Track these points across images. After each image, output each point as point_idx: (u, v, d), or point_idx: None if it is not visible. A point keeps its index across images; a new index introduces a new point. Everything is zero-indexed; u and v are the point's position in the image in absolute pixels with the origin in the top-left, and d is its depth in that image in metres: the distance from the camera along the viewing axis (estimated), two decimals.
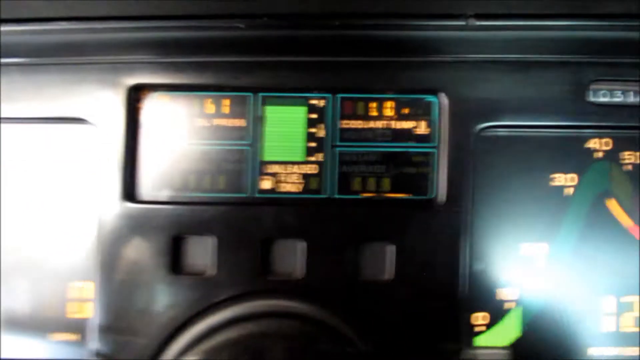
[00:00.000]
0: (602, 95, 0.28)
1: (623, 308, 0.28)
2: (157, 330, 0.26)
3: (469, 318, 0.27)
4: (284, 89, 0.29)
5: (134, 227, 0.27)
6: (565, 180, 0.29)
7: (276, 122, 0.29)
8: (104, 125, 0.28)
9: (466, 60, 0.29)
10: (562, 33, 0.28)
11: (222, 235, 0.27)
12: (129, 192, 0.28)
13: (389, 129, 0.30)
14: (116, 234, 0.27)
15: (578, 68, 0.28)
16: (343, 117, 0.30)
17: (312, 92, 0.29)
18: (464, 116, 0.29)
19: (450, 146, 0.29)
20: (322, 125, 0.29)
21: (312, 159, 0.29)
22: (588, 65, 0.28)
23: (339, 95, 0.29)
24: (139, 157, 0.28)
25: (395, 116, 0.30)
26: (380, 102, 0.29)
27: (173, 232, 0.27)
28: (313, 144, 0.30)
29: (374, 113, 0.30)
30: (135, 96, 0.28)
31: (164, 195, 0.28)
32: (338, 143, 0.29)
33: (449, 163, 0.29)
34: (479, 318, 0.27)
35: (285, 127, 0.30)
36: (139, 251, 0.27)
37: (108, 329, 0.26)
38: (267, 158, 0.29)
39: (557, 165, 0.29)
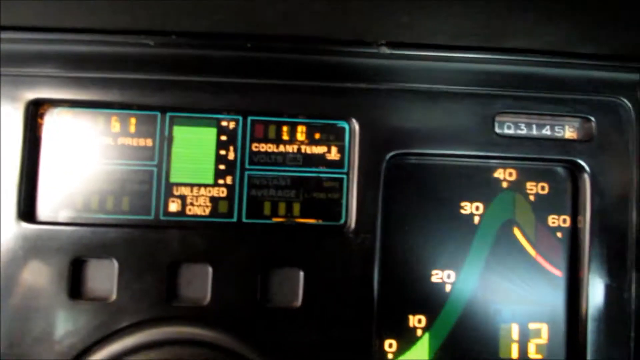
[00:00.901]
0: (506, 127, 0.32)
1: (530, 335, 0.32)
2: (55, 358, 0.27)
3: (379, 344, 0.31)
4: (193, 109, 0.32)
5: (31, 248, 0.28)
6: (472, 208, 0.33)
7: (185, 143, 0.32)
8: (1, 140, 0.29)
9: (378, 88, 0.32)
10: (470, 65, 0.32)
11: (124, 259, 0.29)
12: (27, 211, 0.29)
13: (300, 153, 0.33)
14: (12, 256, 0.28)
15: (485, 100, 0.32)
16: (254, 140, 0.32)
17: (222, 114, 0.32)
18: (374, 143, 0.32)
19: (361, 172, 0.32)
20: (232, 148, 0.32)
21: (222, 181, 0.32)
22: (494, 97, 0.32)
23: (250, 118, 0.32)
24: (38, 175, 0.30)
25: (307, 141, 0.33)
26: (292, 126, 0.33)
27: (73, 255, 0.29)
28: (223, 167, 0.32)
29: (286, 137, 0.33)
30: (35, 111, 0.30)
31: (64, 216, 0.30)
32: (248, 166, 0.32)
33: (360, 189, 0.32)
34: (390, 344, 0.31)
35: (195, 149, 0.32)
36: (37, 274, 0.28)
37: (3, 357, 0.27)
38: (174, 180, 0.32)
39: (465, 193, 0.33)
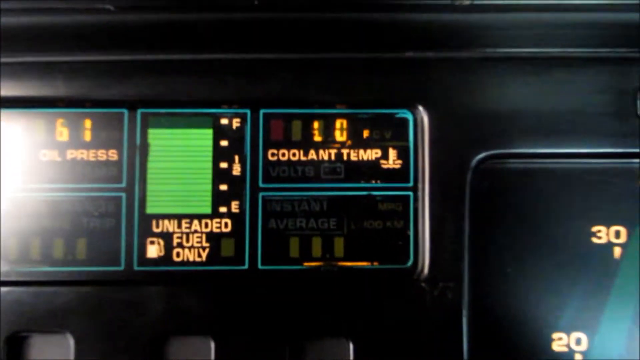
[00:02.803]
0: None
1: None
2: None
3: None
4: (176, 102, 0.32)
5: None
6: (610, 235, 0.32)
7: (167, 154, 0.32)
8: None
9: (456, 58, 0.32)
10: (594, 15, 0.31)
11: (84, 334, 0.30)
12: None
13: (340, 161, 0.33)
14: None
15: (621, 68, 0.31)
16: (270, 145, 0.33)
17: (221, 107, 0.32)
18: (454, 140, 0.32)
19: (435, 186, 0.32)
20: (238, 158, 0.32)
21: (224, 209, 0.32)
22: (635, 63, 0.31)
23: (263, 111, 0.33)
24: None
25: (350, 142, 0.33)
26: (327, 121, 0.33)
27: (8, 329, 0.30)
28: (224, 187, 0.32)
29: (318, 137, 0.33)
30: None
31: None
32: (262, 185, 0.32)
33: (435, 212, 0.31)
34: None
35: (181, 162, 0.32)
36: None
37: None
38: (153, 210, 0.32)
39: (598, 213, 0.32)
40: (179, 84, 0.32)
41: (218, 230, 0.32)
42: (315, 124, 0.33)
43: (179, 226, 0.32)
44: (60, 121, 0.32)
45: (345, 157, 0.33)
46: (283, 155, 0.33)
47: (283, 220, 0.32)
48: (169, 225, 0.32)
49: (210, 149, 0.32)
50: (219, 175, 0.32)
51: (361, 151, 0.33)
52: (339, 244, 0.32)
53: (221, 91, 0.32)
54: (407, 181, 0.33)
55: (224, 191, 0.32)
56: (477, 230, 0.32)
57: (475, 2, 0.30)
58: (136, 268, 0.32)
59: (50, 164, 0.32)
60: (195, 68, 0.32)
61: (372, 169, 0.33)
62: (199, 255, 0.32)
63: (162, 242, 0.32)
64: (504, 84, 0.32)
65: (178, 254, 0.32)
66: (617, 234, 0.32)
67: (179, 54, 0.32)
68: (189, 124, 0.33)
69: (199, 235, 0.32)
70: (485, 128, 0.32)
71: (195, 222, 0.32)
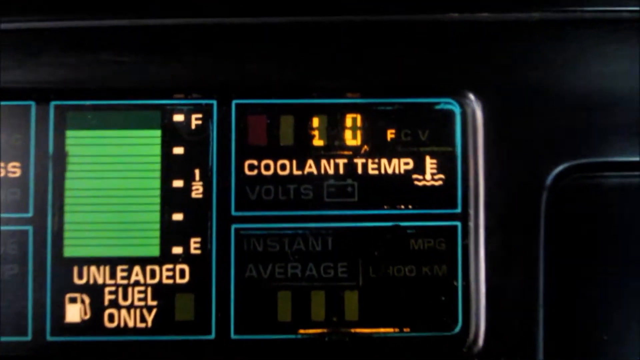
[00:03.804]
0: None
1: None
2: None
3: None
4: (106, 89, 0.30)
5: None
6: None
7: (92, 168, 0.31)
8: None
9: (525, 21, 0.31)
10: None
11: None
12: None
13: (352, 177, 0.31)
14: None
15: None
16: (247, 153, 0.31)
17: (173, 97, 0.31)
18: (522, 146, 0.30)
19: (494, 215, 0.30)
20: (199, 173, 0.30)
21: (178, 250, 0.30)
22: None
23: (236, 102, 0.31)
24: None
25: (367, 147, 0.31)
26: (334, 117, 0.31)
27: None
28: (179, 217, 0.30)
29: (319, 141, 0.31)
30: None
31: None
32: (236, 213, 0.30)
33: (492, 253, 0.30)
34: None
35: (115, 179, 0.30)
36: None
37: None
38: (73, 252, 0.30)
39: None
40: (110, 64, 0.31)
41: (170, 281, 0.31)
42: (315, 121, 0.31)
43: (113, 276, 0.31)
44: None
45: (359, 171, 0.31)
46: (267, 167, 0.31)
47: (267, 265, 0.31)
48: (97, 275, 0.31)
49: (158, 159, 0.31)
50: (171, 199, 0.31)
51: (384, 161, 0.31)
52: (351, 301, 0.31)
53: (173, 73, 0.31)
54: (453, 206, 0.31)
55: (178, 222, 0.31)
56: (558, 278, 0.31)
57: None
58: (49, 338, 0.31)
59: None
60: (134, 39, 0.31)
61: (400, 188, 0.31)
62: (143, 320, 0.31)
63: (87, 299, 0.31)
64: (596, 59, 0.31)
65: (111, 318, 0.31)
66: None
67: (109, 18, 0.31)
68: (127, 122, 0.31)
69: (143, 289, 0.31)
70: (568, 127, 0.31)
71: (137, 269, 0.31)
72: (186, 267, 0.31)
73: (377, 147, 0.32)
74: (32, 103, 0.31)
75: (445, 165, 0.32)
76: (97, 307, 0.31)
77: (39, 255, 0.31)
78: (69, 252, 0.31)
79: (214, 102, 0.31)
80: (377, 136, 0.32)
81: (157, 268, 0.31)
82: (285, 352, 0.31)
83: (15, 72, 0.31)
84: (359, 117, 0.32)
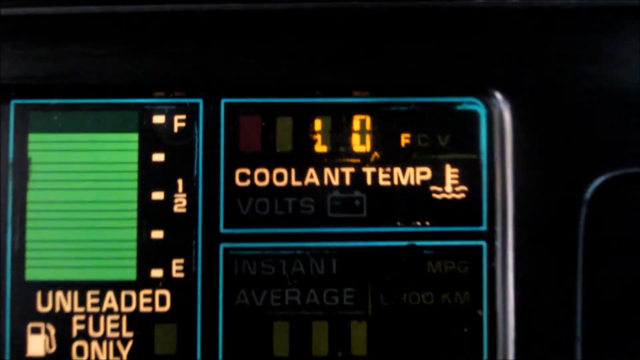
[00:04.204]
0: None
1: None
2: None
3: None
4: (75, 85, 0.29)
5: None
6: None
7: (58, 177, 0.29)
8: None
9: (560, 8, 0.30)
10: None
11: None
12: None
13: (361, 188, 0.29)
14: None
15: None
16: (238, 161, 0.29)
17: (153, 95, 0.29)
18: (557, 153, 0.29)
19: (524, 234, 0.29)
20: (182, 183, 0.29)
21: (158, 273, 0.29)
22: None
23: (226, 101, 0.29)
24: None
25: (377, 154, 0.30)
26: (339, 119, 0.30)
27: None
28: (158, 234, 0.29)
29: (321, 147, 0.29)
30: None
31: None
32: (225, 231, 0.29)
33: (523, 278, 0.28)
34: None
35: (84, 190, 0.29)
36: None
37: None
38: (36, 274, 0.29)
39: None
40: (80, 57, 0.30)
41: (149, 309, 0.29)
42: (318, 124, 0.30)
43: (82, 303, 0.29)
44: None
45: (369, 181, 0.30)
46: (261, 177, 0.30)
47: (261, 291, 0.30)
48: (64, 301, 0.29)
49: (136, 167, 0.30)
50: (150, 214, 0.30)
51: (397, 170, 0.30)
52: (359, 334, 0.30)
53: (153, 67, 0.30)
54: (478, 223, 0.30)
55: (158, 241, 0.29)
56: (598, 307, 0.30)
57: None
58: None
59: None
60: (107, 28, 0.30)
61: (416, 202, 0.30)
62: (117, 353, 0.30)
63: (52, 329, 0.29)
64: None
65: (80, 351, 0.30)
66: None
67: (78, 5, 0.30)
68: (99, 124, 0.30)
69: (117, 317, 0.30)
70: (613, 131, 0.30)
71: (110, 295, 0.30)
72: (167, 293, 0.30)
73: (390, 154, 0.30)
74: None
75: (469, 176, 0.30)
76: (64, 338, 0.30)
77: None
78: (31, 274, 0.30)
79: (200, 101, 0.30)
80: (390, 141, 0.30)
81: (133, 294, 0.30)
82: None
83: None
84: (368, 119, 0.31)
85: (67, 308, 0.29)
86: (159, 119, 0.30)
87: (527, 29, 0.31)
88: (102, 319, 0.29)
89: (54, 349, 0.29)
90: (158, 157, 0.30)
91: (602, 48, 0.30)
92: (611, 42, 0.31)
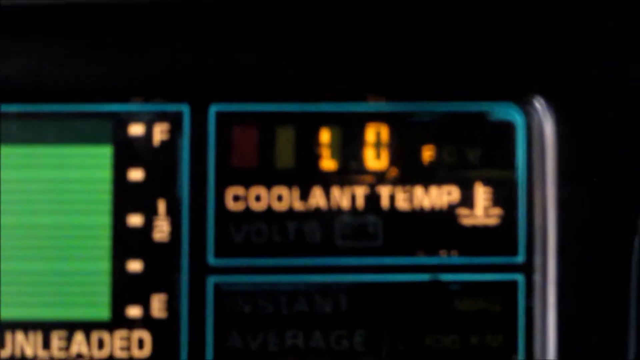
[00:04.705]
0: None
1: None
2: None
3: None
4: (38, 89, 0.27)
5: None
6: None
7: (18, 196, 0.27)
8: None
9: None
10: None
11: None
12: None
13: (375, 211, 0.28)
14: None
15: None
16: (230, 178, 0.28)
17: (130, 100, 0.28)
18: (609, 171, 0.27)
19: (569, 266, 0.27)
20: (164, 205, 0.27)
21: (136, 312, 0.27)
22: None
23: (216, 108, 0.28)
24: None
25: (395, 171, 0.28)
26: (350, 129, 0.28)
27: None
28: (136, 266, 0.27)
29: (329, 163, 0.28)
30: None
31: None
32: (214, 262, 0.27)
33: (567, 317, 0.27)
34: None
35: (48, 212, 0.27)
36: None
37: None
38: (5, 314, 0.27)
39: None
40: (42, 55, 0.27)
41: (125, 354, 0.27)
42: (324, 136, 0.28)
43: (46, 345, 0.27)
44: None
45: (385, 204, 0.27)
46: (257, 199, 0.27)
47: (257, 333, 0.27)
48: (25, 344, 0.27)
49: (109, 187, 0.27)
50: (126, 242, 0.27)
51: (419, 190, 0.28)
52: None
53: (130, 67, 0.28)
54: (513, 253, 0.28)
55: (135, 274, 0.27)
56: None
57: None
58: None
59: None
60: (75, 21, 0.27)
61: (440, 228, 0.28)
62: None
63: None
64: None
65: None
66: None
67: None
68: (66, 135, 0.28)
69: None
70: None
71: (79, 337, 0.27)
72: (146, 335, 0.27)
73: (410, 172, 0.28)
74: None
75: (503, 197, 0.28)
76: None
77: None
78: None
79: (185, 108, 0.28)
80: (410, 156, 0.28)
81: (106, 336, 0.27)
82: None
83: None
84: (385, 130, 0.28)
85: (29, 352, 0.27)
86: (136, 129, 0.27)
87: (576, 19, 0.28)
88: None
89: None
90: (135, 174, 0.27)
91: None
92: None
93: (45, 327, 0.27)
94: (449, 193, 0.27)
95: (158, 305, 0.27)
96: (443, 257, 0.27)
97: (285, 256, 0.27)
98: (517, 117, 0.27)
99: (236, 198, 0.27)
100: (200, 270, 0.27)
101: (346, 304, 0.27)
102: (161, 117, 0.27)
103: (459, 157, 0.27)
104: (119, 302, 0.27)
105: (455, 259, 0.27)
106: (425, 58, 0.27)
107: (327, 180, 0.27)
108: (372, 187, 0.27)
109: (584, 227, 0.27)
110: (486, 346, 0.27)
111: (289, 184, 0.27)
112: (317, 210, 0.27)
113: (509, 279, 0.27)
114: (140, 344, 0.27)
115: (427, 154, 0.27)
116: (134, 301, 0.27)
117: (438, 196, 0.27)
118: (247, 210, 0.27)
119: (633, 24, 0.27)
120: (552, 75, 0.27)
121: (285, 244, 0.27)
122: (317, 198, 0.27)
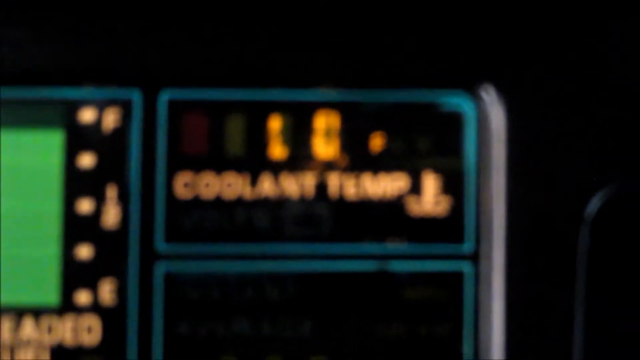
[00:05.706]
0: None
1: None
2: None
3: None
4: None
5: None
6: None
7: None
8: None
9: None
10: None
11: None
12: None
13: (324, 199, 0.28)
14: None
15: None
16: (180, 164, 0.28)
17: (82, 84, 0.28)
18: (559, 160, 0.27)
19: (515, 255, 0.27)
20: (112, 190, 0.27)
21: (85, 299, 0.27)
22: None
23: (167, 95, 0.28)
24: None
25: (344, 159, 0.28)
26: (300, 116, 0.28)
27: None
28: (85, 252, 0.27)
29: (279, 151, 0.28)
30: None
31: None
32: (164, 248, 0.28)
33: (513, 307, 0.27)
34: None
35: (1, 197, 0.27)
36: None
37: None
38: None
39: None
40: None
41: (74, 340, 0.27)
42: (274, 123, 0.28)
43: None
44: None
45: (334, 192, 0.28)
46: (207, 185, 0.28)
47: (206, 320, 0.27)
48: None
49: (58, 172, 0.27)
50: (75, 228, 0.27)
51: (366, 178, 0.28)
52: None
53: (79, 51, 0.28)
54: (461, 241, 0.28)
55: (84, 262, 0.27)
56: (601, 341, 0.28)
57: None
58: None
59: None
60: (23, 2, 0.27)
61: (389, 217, 0.28)
62: None
63: None
64: None
65: None
66: None
67: None
68: (15, 120, 0.28)
69: (35, 350, 0.27)
70: (628, 136, 0.28)
71: (28, 322, 0.27)
72: (96, 321, 0.27)
73: (359, 160, 0.28)
74: None
75: (452, 186, 0.28)
76: None
77: None
78: None
79: (136, 94, 0.28)
80: (359, 144, 0.28)
81: (56, 321, 0.27)
82: None
83: None
84: (334, 118, 0.28)
85: None
86: (86, 114, 0.27)
87: (529, 8, 0.28)
88: (17, 352, 0.27)
89: None
90: (85, 160, 0.27)
91: (624, 37, 0.28)
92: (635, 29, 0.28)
93: None
94: (398, 181, 0.27)
95: (107, 291, 0.27)
96: (391, 245, 0.27)
97: (235, 242, 0.27)
98: (467, 106, 0.27)
99: (186, 185, 0.27)
100: (149, 256, 0.27)
101: (294, 292, 0.27)
102: (112, 102, 0.27)
103: (408, 146, 0.28)
104: (68, 288, 0.27)
105: (403, 247, 0.27)
106: (376, 46, 0.27)
107: (276, 168, 0.27)
108: (321, 174, 0.27)
109: (531, 216, 0.27)
110: (434, 335, 0.27)
111: (239, 170, 0.27)
112: (267, 198, 0.27)
113: (456, 267, 0.27)
114: (90, 330, 0.27)
115: (377, 142, 0.27)
116: (83, 287, 0.27)
117: (387, 184, 0.27)
118: (197, 197, 0.27)
119: (584, 14, 0.27)
120: (503, 64, 0.27)
121: (234, 230, 0.27)
122: (267, 185, 0.27)
